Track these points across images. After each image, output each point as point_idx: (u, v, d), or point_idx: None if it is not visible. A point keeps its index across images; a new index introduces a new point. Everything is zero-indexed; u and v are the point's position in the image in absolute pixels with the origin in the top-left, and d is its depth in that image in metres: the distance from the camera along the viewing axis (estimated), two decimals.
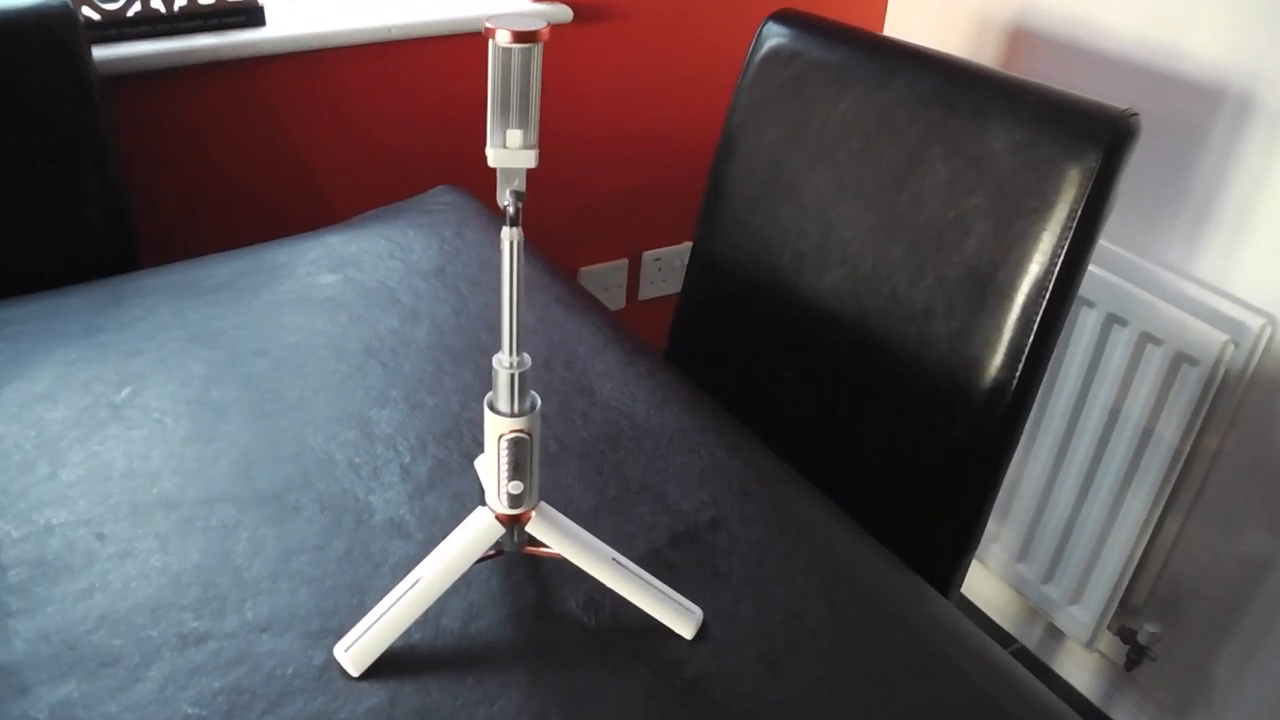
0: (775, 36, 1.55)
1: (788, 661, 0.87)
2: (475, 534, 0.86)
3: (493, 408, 0.80)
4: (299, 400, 1.16)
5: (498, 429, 0.80)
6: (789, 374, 1.52)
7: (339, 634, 0.87)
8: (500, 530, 0.85)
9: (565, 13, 1.96)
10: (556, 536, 0.86)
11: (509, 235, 0.75)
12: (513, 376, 0.78)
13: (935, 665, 0.88)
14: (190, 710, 0.82)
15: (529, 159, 0.75)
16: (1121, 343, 1.89)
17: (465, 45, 1.91)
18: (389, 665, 0.86)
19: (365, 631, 0.85)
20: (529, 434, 0.80)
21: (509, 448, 0.80)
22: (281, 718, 0.81)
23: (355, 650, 0.85)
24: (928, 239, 1.35)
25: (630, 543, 0.97)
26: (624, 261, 2.27)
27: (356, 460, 1.07)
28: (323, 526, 0.99)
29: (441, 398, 1.15)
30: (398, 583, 0.87)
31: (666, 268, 2.31)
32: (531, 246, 1.49)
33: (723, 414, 1.14)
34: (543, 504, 0.87)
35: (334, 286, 1.36)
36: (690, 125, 2.18)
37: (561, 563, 0.93)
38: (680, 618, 0.88)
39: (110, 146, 1.58)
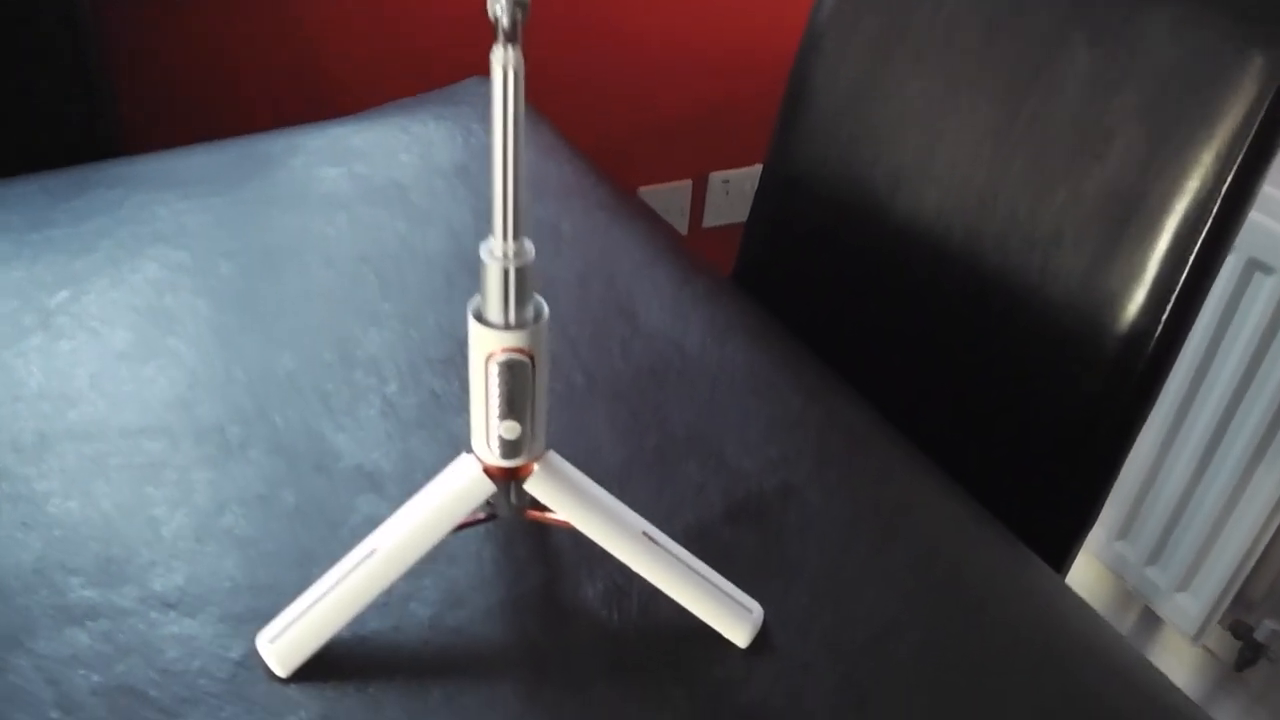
0: None
1: (876, 688, 0.63)
2: (456, 491, 0.62)
3: (480, 317, 0.56)
4: (269, 312, 0.92)
5: (485, 346, 0.56)
6: (879, 313, 1.27)
7: (270, 618, 0.64)
8: (490, 487, 0.61)
9: None
10: (568, 499, 0.62)
11: (502, 59, 0.50)
12: (506, 273, 0.54)
13: (1081, 705, 0.64)
14: (53, 716, 0.59)
15: None
16: (1265, 293, 1.61)
17: None
18: (329, 666, 0.62)
19: (299, 617, 0.62)
20: (530, 356, 0.56)
21: (501, 374, 0.56)
22: None
23: (284, 643, 0.62)
24: (1059, 149, 1.09)
25: (671, 512, 0.73)
26: (687, 183, 2.02)
27: (328, 389, 0.83)
28: (271, 472, 0.76)
29: (447, 317, 0.91)
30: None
31: (736, 192, 2.05)
32: (573, 146, 1.24)
33: (802, 350, 0.89)
34: (551, 454, 0.62)
35: (334, 182, 1.12)
36: (769, 25, 1.91)
37: (575, 537, 0.69)
38: (734, 620, 0.64)
39: (88, 23, 1.34)
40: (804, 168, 1.32)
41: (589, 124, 1.83)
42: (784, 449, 0.79)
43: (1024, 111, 1.11)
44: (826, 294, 1.31)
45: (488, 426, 0.59)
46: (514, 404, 0.58)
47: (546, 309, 0.58)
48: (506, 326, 0.56)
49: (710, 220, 2.07)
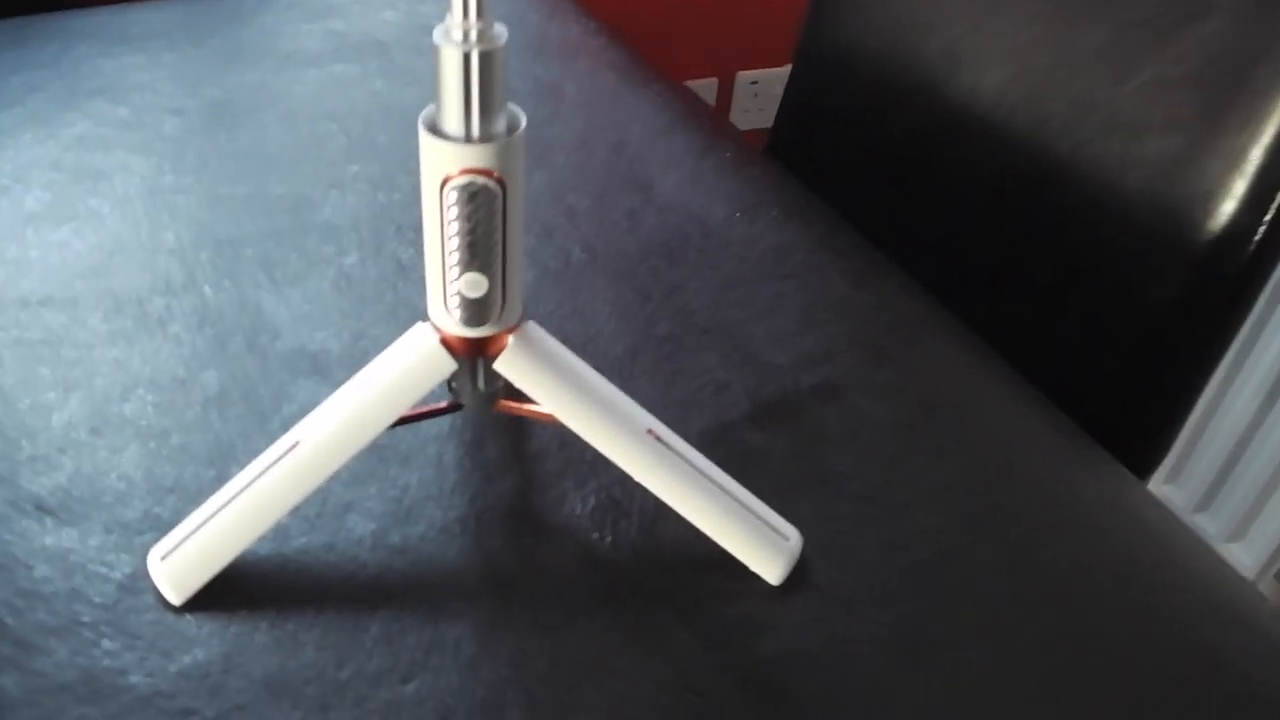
0: None
1: (936, 631, 0.48)
2: (405, 369, 0.47)
3: (433, 128, 0.41)
4: (215, 173, 0.77)
5: (440, 168, 0.41)
6: (929, 209, 1.11)
7: (170, 529, 0.49)
8: (450, 364, 0.46)
9: None
10: (552, 384, 0.47)
11: None
12: (468, 61, 0.39)
13: (1190, 656, 0.49)
14: None
15: None
16: None
17: None
18: (237, 592, 0.48)
19: (199, 529, 0.48)
20: (499, 180, 0.41)
21: (462, 205, 0.41)
22: (32, 672, 0.44)
23: (179, 561, 0.47)
24: (1145, 18, 0.93)
25: (685, 413, 0.58)
26: (712, 82, 1.85)
27: (273, 257, 0.69)
28: (194, 350, 0.61)
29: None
30: None
31: (765, 95, 1.88)
32: (583, 9, 1.08)
33: (845, 228, 0.74)
34: (530, 325, 0.48)
35: (306, 38, 0.97)
36: None
37: (560, 435, 0.55)
38: (764, 548, 0.49)
39: None
40: (845, 43, 1.16)
41: (603, 9, 1.66)
42: (824, 341, 0.64)
43: None
44: (868, 188, 1.15)
45: (445, 281, 0.44)
46: (478, 248, 0.43)
47: (524, 119, 0.43)
48: (468, 139, 0.41)
49: (737, 124, 1.91)
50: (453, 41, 0.40)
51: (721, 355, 0.62)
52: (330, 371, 0.60)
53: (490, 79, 0.40)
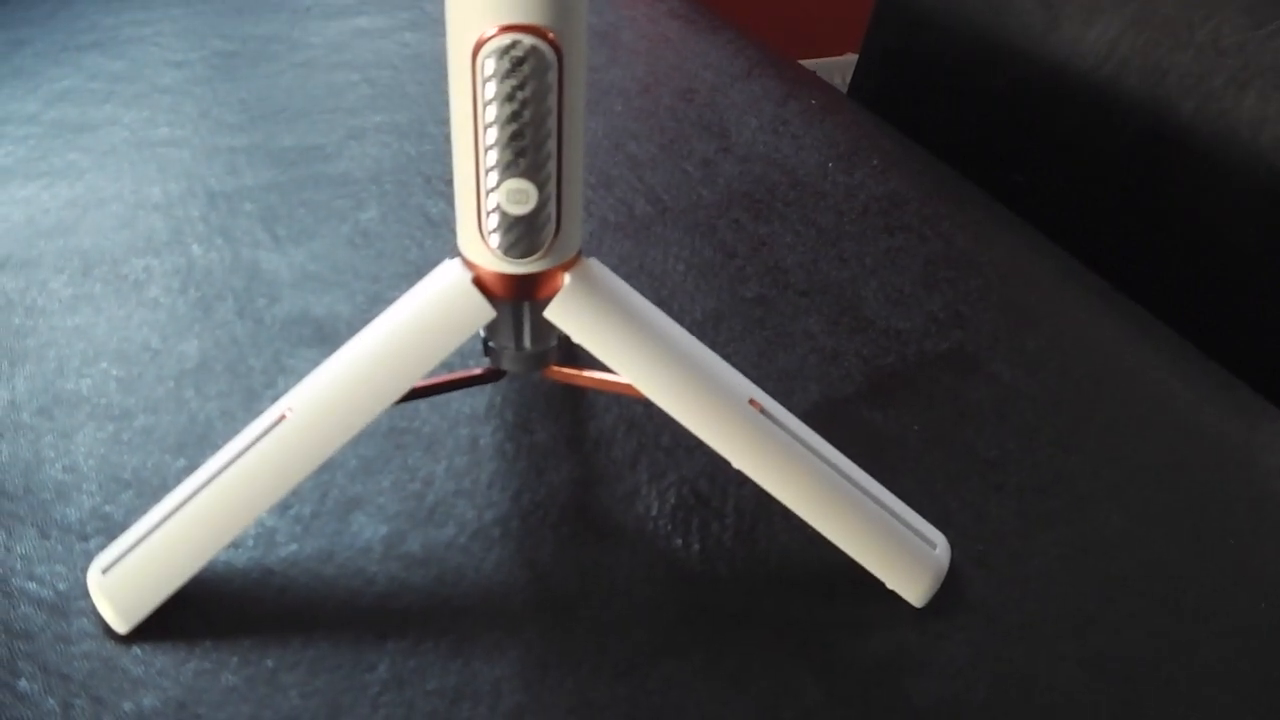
0: None
1: (1147, 674, 0.35)
2: (427, 318, 0.35)
3: None
4: (213, 123, 0.66)
5: (472, 23, 0.29)
6: (1024, 179, 0.99)
7: (122, 533, 0.37)
8: (487, 311, 0.34)
9: None
10: (620, 338, 0.35)
11: None
12: None
13: None
14: None
15: None
16: None
17: None
18: (200, 616, 0.36)
19: (152, 533, 0.35)
20: (555, 45, 0.28)
21: (501, 74, 0.29)
22: None
23: (125, 576, 0.35)
24: None
25: (788, 386, 0.46)
26: None
27: (276, 211, 0.57)
28: (173, 315, 0.49)
29: None
30: None
31: None
32: None
33: (960, 179, 0.62)
34: (591, 261, 0.35)
35: None
36: None
37: (631, 409, 0.42)
38: (903, 558, 0.37)
39: None
40: (928, 2, 1.04)
41: None
42: (951, 302, 0.51)
43: None
44: (961, 156, 1.03)
45: (479, 193, 0.32)
46: (525, 142, 0.31)
47: None
48: None
49: None
50: None
51: (827, 319, 0.50)
52: (338, 340, 0.48)
53: None
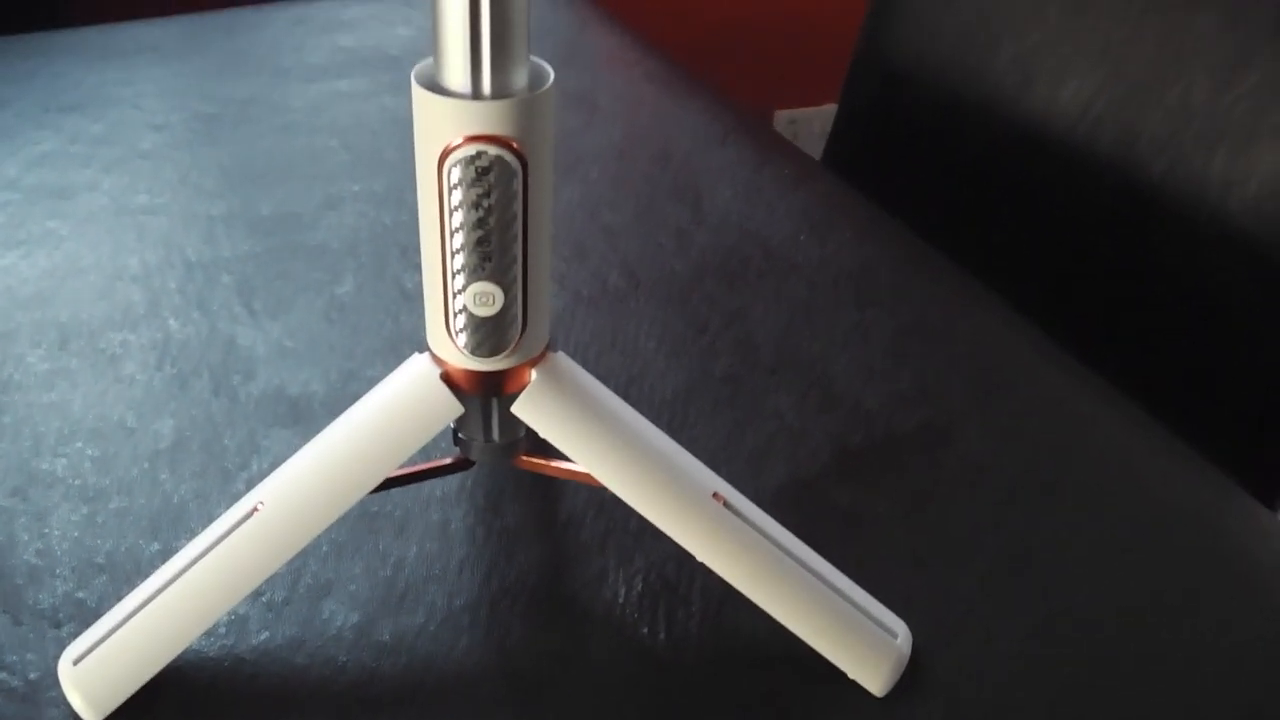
0: None
1: None
2: (397, 413, 0.36)
3: (431, 84, 0.30)
4: (192, 189, 0.66)
5: (440, 134, 0.30)
6: (1007, 233, 1.00)
7: (96, 620, 0.38)
8: (455, 407, 0.35)
9: None
10: (586, 433, 0.35)
11: None
12: None
13: None
14: None
15: None
16: None
17: None
18: (173, 705, 0.36)
19: (124, 624, 0.36)
20: (519, 153, 0.29)
21: (468, 184, 0.30)
22: None
23: (97, 666, 0.36)
24: (1260, 9, 0.82)
25: (756, 468, 0.46)
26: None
27: (253, 283, 0.57)
28: (149, 392, 0.50)
29: None
30: None
31: (804, 134, 1.77)
32: (617, 20, 0.97)
33: (930, 249, 0.62)
34: (558, 357, 0.36)
35: (311, 52, 0.86)
36: None
37: (599, 498, 0.43)
38: (865, 648, 0.37)
39: None
40: (905, 60, 1.05)
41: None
42: (920, 377, 0.52)
43: None
44: (934, 218, 1.04)
45: (447, 295, 0.33)
46: (491, 247, 0.31)
47: (551, 74, 0.31)
48: (476, 94, 0.30)
49: None
50: None
51: (796, 396, 0.50)
52: (313, 418, 0.48)
53: (507, 11, 0.29)
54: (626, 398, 0.50)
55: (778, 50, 1.69)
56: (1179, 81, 0.86)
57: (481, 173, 0.30)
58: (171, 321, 0.55)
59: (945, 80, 1.01)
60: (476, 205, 0.31)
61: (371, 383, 0.49)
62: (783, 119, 1.75)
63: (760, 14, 1.64)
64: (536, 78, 0.31)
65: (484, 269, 0.32)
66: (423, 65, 0.31)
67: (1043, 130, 0.94)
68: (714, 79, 1.66)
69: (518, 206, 0.31)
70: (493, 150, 0.30)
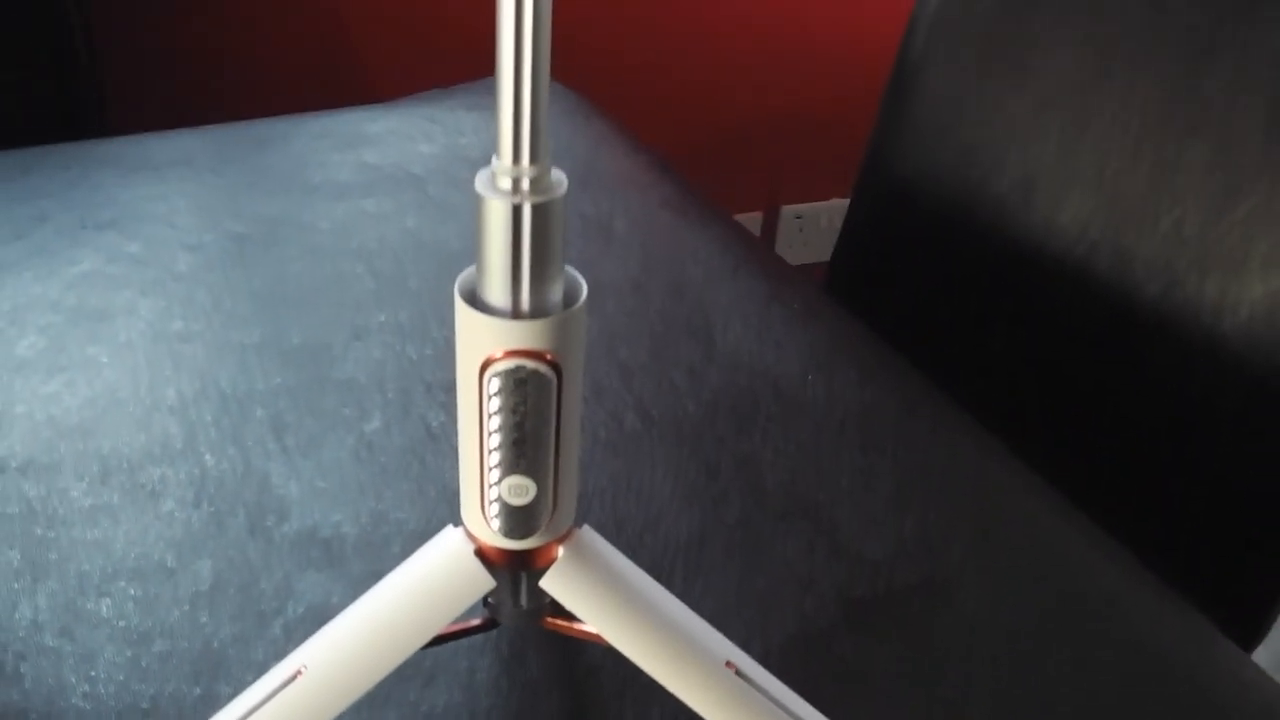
0: None
1: None
2: (433, 586, 0.38)
3: (473, 299, 0.33)
4: (228, 317, 0.69)
5: (480, 348, 0.33)
6: (1006, 352, 1.03)
7: None
8: (487, 581, 0.37)
9: None
10: (608, 607, 0.38)
11: None
12: (518, 215, 0.31)
13: None
14: None
15: None
16: None
17: None
18: None
19: None
20: (555, 365, 0.32)
21: (506, 395, 0.33)
22: None
23: None
24: (1248, 143, 0.85)
25: (765, 617, 0.49)
26: (756, 216, 1.78)
27: (287, 420, 0.60)
28: (188, 532, 0.52)
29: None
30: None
31: (811, 228, 1.81)
32: (633, 137, 1.01)
33: (933, 389, 0.65)
34: (584, 532, 0.39)
35: (336, 169, 0.90)
36: (860, 26, 1.68)
37: (619, 657, 0.45)
38: None
39: None
40: (909, 175, 1.08)
41: (642, 134, 1.59)
42: (923, 526, 0.55)
43: (1200, 95, 0.87)
44: (936, 330, 1.07)
45: (483, 484, 0.36)
46: (526, 447, 0.34)
47: (585, 288, 0.34)
48: (515, 313, 0.33)
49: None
50: (499, 192, 0.31)
51: (804, 545, 0.53)
52: (344, 562, 0.51)
53: (546, 239, 0.32)
54: (642, 544, 0.52)
55: (784, 147, 1.73)
56: (1173, 209, 0.89)
57: (519, 383, 0.33)
58: (208, 456, 0.58)
59: (950, 195, 1.04)
60: (514, 411, 0.34)
61: (400, 526, 0.52)
62: (789, 214, 1.79)
63: (767, 112, 1.68)
64: (571, 292, 0.34)
65: (519, 465, 0.35)
66: (466, 275, 0.34)
67: (1042, 249, 0.97)
68: (722, 176, 1.70)
69: (552, 412, 0.34)
70: (530, 364, 0.33)
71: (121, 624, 0.48)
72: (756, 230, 1.81)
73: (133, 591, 0.49)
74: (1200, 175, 0.86)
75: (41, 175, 0.90)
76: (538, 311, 0.33)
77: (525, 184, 0.31)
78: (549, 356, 0.33)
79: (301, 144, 0.96)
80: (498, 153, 0.31)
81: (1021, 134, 0.99)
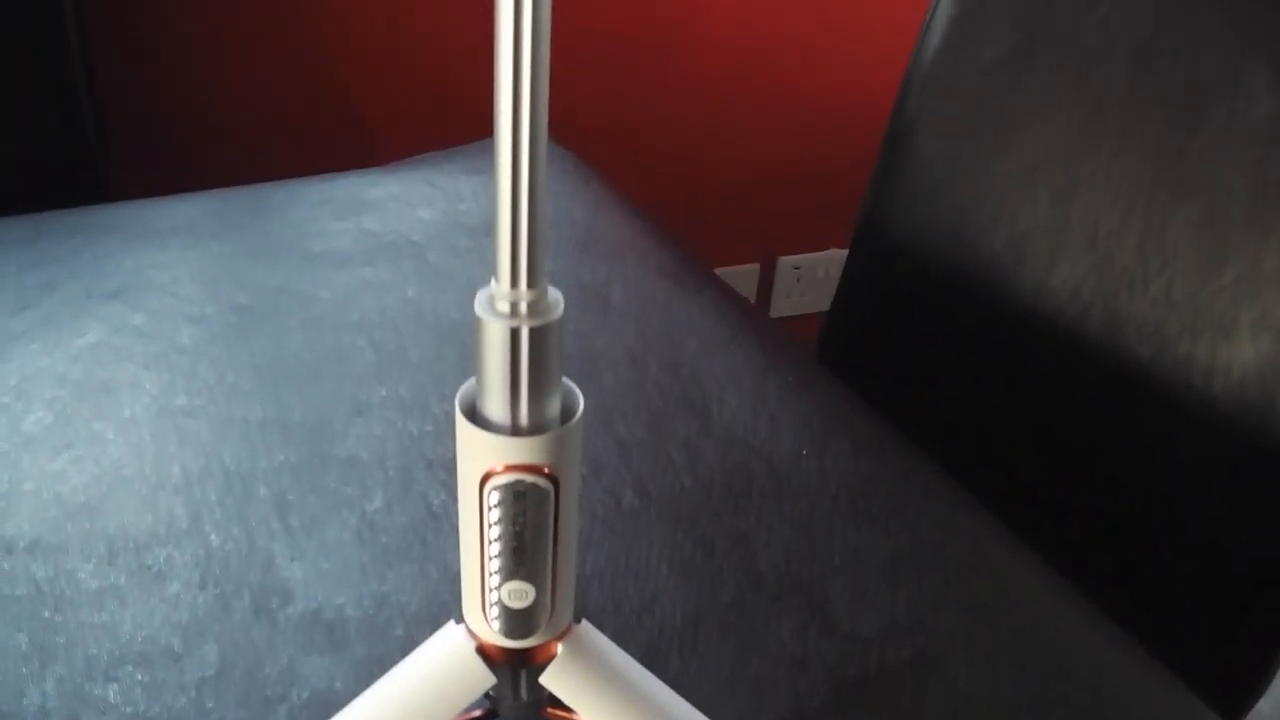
0: None
1: None
2: (435, 683, 0.39)
3: (473, 414, 0.34)
4: (230, 391, 0.71)
5: (481, 461, 0.34)
6: (997, 414, 1.04)
7: None
8: (487, 677, 0.39)
9: None
10: (609, 704, 0.39)
11: None
12: (517, 338, 0.32)
13: None
14: None
15: None
16: None
17: None
18: None
19: None
20: (553, 478, 0.33)
21: (506, 507, 0.34)
22: None
23: None
24: (1234, 210, 0.86)
25: (759, 700, 0.50)
26: (754, 267, 1.80)
27: (289, 499, 0.61)
28: (193, 614, 0.53)
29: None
30: None
31: (808, 278, 1.83)
32: (629, 201, 1.02)
33: (925, 462, 0.66)
34: (583, 629, 0.40)
35: (336, 237, 0.91)
36: (855, 85, 1.70)
37: None
38: None
39: (72, 42, 1.15)
40: (903, 235, 1.10)
41: (640, 189, 1.61)
42: (913, 603, 0.56)
43: (1186, 161, 0.89)
44: (930, 388, 1.08)
45: (484, 587, 0.37)
46: (525, 555, 0.35)
47: (581, 401, 0.35)
48: (515, 430, 0.34)
49: (779, 310, 1.85)
50: (498, 315, 0.33)
51: (797, 624, 0.54)
52: (348, 646, 0.52)
53: (544, 359, 0.33)
54: (640, 625, 0.53)
55: (781, 200, 1.75)
56: (1163, 272, 0.90)
57: (518, 496, 0.34)
58: (213, 536, 0.59)
59: (945, 255, 1.06)
60: (514, 522, 0.35)
61: (402, 609, 0.53)
62: (787, 265, 1.81)
63: (763, 166, 1.70)
64: (568, 405, 0.35)
65: (519, 571, 0.36)
66: (466, 389, 0.36)
67: (1035, 310, 0.99)
68: (720, 229, 1.72)
69: (550, 521, 0.35)
70: (529, 478, 0.34)
71: (129, 710, 0.49)
72: (755, 281, 1.82)
73: (140, 676, 0.50)
74: (1189, 239, 0.88)
75: (50, 241, 0.92)
76: (536, 428, 0.34)
77: (523, 307, 0.32)
78: (547, 470, 0.34)
79: (302, 210, 0.98)
80: (496, 276, 0.33)
81: (1013, 196, 1.01)
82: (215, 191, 1.03)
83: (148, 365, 0.75)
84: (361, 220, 0.96)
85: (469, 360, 0.72)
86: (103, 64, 1.32)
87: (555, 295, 0.33)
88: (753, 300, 1.85)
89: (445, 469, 0.64)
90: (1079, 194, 0.96)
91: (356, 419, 0.68)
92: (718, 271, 1.80)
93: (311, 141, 1.44)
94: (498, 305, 0.33)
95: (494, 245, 0.32)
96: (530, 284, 0.32)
